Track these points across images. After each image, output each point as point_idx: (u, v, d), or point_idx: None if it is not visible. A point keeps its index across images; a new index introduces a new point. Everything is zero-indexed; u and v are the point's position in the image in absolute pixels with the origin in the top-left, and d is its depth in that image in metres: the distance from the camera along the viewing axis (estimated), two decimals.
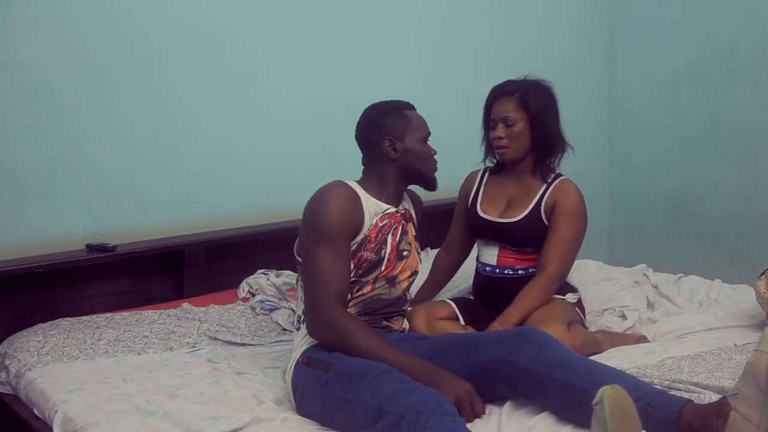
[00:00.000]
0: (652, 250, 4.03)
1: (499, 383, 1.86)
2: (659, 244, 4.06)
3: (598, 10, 4.16)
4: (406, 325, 2.24)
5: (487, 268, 2.49)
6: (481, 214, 2.51)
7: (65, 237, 2.71)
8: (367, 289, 2.09)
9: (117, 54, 2.76)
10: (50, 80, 2.65)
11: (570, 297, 2.43)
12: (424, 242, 3.36)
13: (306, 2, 3.20)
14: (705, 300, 2.66)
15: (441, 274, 2.66)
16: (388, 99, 2.23)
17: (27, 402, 2.10)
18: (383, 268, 2.09)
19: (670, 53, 3.94)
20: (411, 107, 2.22)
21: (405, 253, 2.16)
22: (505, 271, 2.45)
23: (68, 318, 2.54)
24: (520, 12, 3.86)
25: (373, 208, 2.10)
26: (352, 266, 2.04)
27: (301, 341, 2.03)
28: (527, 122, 2.39)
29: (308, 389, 1.89)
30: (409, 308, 2.53)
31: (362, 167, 2.21)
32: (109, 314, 2.59)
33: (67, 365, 2.18)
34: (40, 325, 2.47)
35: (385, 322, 2.12)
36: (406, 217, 2.22)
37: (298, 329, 2.08)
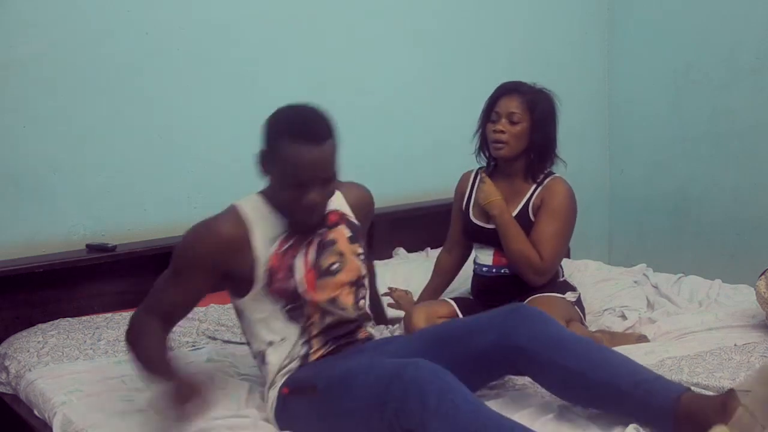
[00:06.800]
0: (652, 250, 4.04)
1: (496, 366, 1.83)
2: (659, 244, 4.07)
3: (598, 10, 4.16)
4: (370, 329, 2.03)
5: (484, 269, 2.50)
6: (473, 219, 2.52)
7: (65, 237, 2.71)
8: (316, 317, 1.86)
9: (117, 54, 2.76)
10: (50, 80, 2.65)
11: (569, 296, 2.43)
12: (424, 243, 3.40)
13: (306, 3, 3.20)
14: (705, 300, 2.66)
15: (444, 274, 2.67)
16: (311, 112, 1.94)
17: (27, 402, 2.09)
18: (305, 296, 1.84)
19: (670, 53, 3.94)
20: (317, 141, 1.80)
21: (335, 266, 1.88)
22: (502, 270, 2.45)
23: (68, 318, 2.54)
24: (520, 12, 3.86)
25: (272, 230, 1.84)
26: (276, 301, 1.84)
27: (273, 376, 1.86)
28: (530, 125, 2.40)
29: (299, 419, 1.75)
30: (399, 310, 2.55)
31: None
32: (109, 314, 2.59)
33: (66, 366, 2.18)
34: (40, 326, 2.47)
35: (348, 343, 1.92)
36: (330, 222, 1.92)
37: (262, 363, 1.91)
